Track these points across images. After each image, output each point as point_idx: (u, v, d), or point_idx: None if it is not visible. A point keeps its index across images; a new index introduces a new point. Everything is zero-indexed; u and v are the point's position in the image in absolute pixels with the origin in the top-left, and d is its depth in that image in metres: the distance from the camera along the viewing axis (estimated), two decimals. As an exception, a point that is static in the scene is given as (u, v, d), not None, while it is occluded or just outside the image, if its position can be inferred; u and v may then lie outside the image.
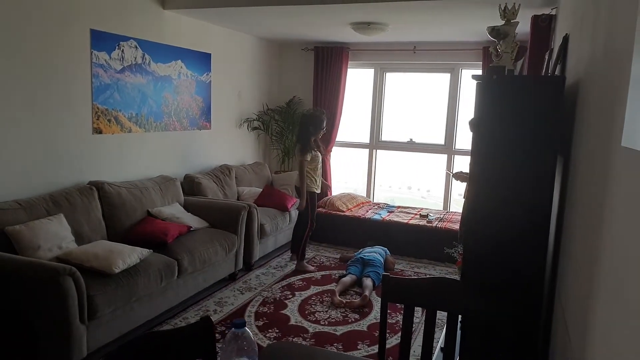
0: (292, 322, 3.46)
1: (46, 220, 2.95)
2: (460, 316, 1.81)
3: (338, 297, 3.79)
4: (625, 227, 0.93)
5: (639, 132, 0.84)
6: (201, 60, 4.83)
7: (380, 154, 6.26)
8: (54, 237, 2.91)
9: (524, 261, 1.99)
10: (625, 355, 0.84)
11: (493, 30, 2.07)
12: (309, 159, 4.36)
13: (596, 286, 1.14)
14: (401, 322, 1.81)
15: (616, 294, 0.96)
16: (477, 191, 2.08)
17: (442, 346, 1.85)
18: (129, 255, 2.98)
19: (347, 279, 4.09)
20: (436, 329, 3.34)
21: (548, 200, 1.95)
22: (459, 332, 1.88)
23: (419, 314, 3.55)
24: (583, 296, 1.29)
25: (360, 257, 4.37)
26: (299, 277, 4.35)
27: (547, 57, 3.02)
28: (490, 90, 1.96)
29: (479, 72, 5.27)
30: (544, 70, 2.89)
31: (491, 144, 2.01)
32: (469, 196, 2.15)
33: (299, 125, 4.55)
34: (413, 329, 2.93)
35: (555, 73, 2.43)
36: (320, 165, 4.54)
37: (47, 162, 3.34)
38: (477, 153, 2.05)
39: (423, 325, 1.82)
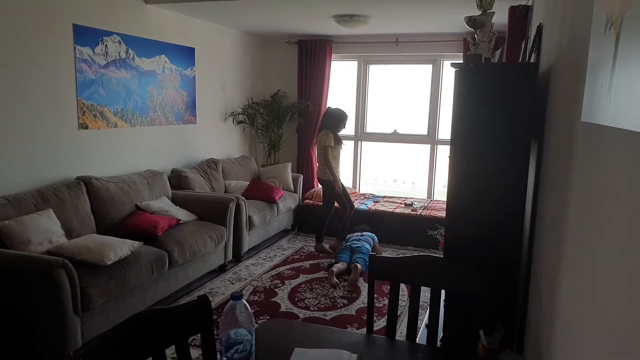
0: (283, 308, 3.55)
1: (35, 215, 2.97)
2: (443, 292, 1.91)
3: (335, 279, 4.00)
4: (585, 192, 1.03)
5: (594, 108, 0.94)
6: (185, 54, 4.85)
7: (365, 145, 6.36)
8: (44, 231, 2.94)
9: (502, 241, 2.09)
10: (583, 310, 0.94)
11: (470, 20, 2.16)
12: (332, 145, 4.68)
13: (563, 251, 1.25)
14: (388, 306, 1.90)
15: (579, 257, 1.06)
16: (457, 176, 2.18)
17: (427, 323, 1.95)
18: (120, 248, 3.02)
19: (340, 265, 4.22)
20: (421, 311, 3.46)
21: (523, 182, 2.06)
22: (442, 307, 1.98)
23: (405, 297, 3.67)
24: (552, 261, 1.40)
25: (349, 245, 4.49)
26: (288, 266, 4.43)
27: (523, 46, 3.13)
28: (468, 78, 2.06)
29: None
30: (520, 59, 3.00)
31: (469, 130, 2.11)
32: (449, 181, 2.25)
33: (327, 115, 4.81)
34: (399, 312, 3.03)
35: (531, 61, 2.54)
36: (339, 157, 4.85)
37: (34, 158, 3.36)
38: (456, 139, 2.15)
39: (408, 308, 1.91)
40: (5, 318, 2.59)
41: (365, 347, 1.70)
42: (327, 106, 4.91)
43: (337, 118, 4.77)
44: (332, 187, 4.76)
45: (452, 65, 2.08)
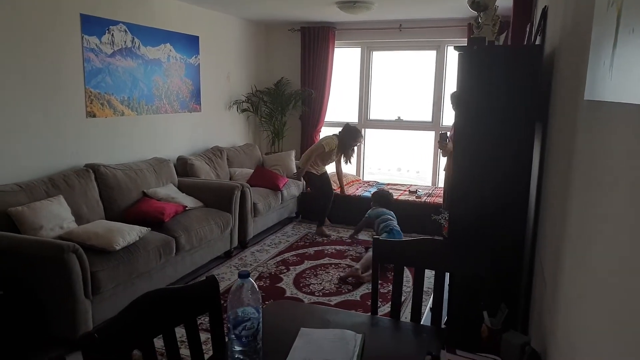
0: (288, 293, 3.59)
1: (47, 202, 3.02)
2: (447, 275, 1.93)
3: (362, 273, 3.83)
4: (586, 170, 1.05)
5: (596, 85, 0.95)
6: (189, 43, 4.86)
7: (369, 133, 6.35)
8: (55, 217, 2.99)
9: (507, 223, 2.11)
10: (585, 292, 0.97)
11: (473, 3, 2.15)
12: (326, 151, 4.94)
13: (565, 232, 1.27)
14: (392, 290, 1.93)
15: (581, 238, 1.08)
16: (460, 159, 2.19)
17: (431, 306, 1.98)
18: (128, 233, 3.07)
19: (371, 254, 4.06)
20: (425, 296, 3.49)
21: (528, 164, 2.07)
22: (446, 290, 2.01)
23: (409, 284, 3.70)
24: (555, 242, 1.42)
25: (392, 229, 4.24)
26: (293, 252, 4.47)
27: (528, 30, 3.12)
28: (471, 61, 2.06)
29: (464, 48, 5.35)
30: (525, 42, 2.99)
31: (472, 113, 2.12)
32: (453, 165, 2.26)
33: (344, 128, 5.09)
34: (403, 298, 3.06)
35: (536, 43, 2.53)
36: (330, 163, 5.17)
37: (43, 146, 3.40)
38: (459, 122, 2.16)
39: (412, 293, 1.93)
40: (20, 301, 2.64)
41: (370, 328, 1.73)
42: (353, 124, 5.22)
43: (349, 133, 4.98)
44: (314, 177, 5.05)
45: (456, 48, 2.08)
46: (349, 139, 4.98)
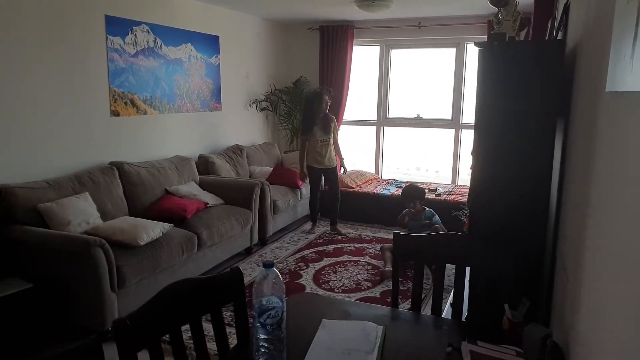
0: (308, 290, 3.63)
1: (74, 198, 3.12)
2: (467, 269, 1.93)
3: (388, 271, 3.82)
4: (608, 161, 1.06)
5: (617, 77, 0.96)
6: (210, 42, 4.93)
7: (388, 132, 6.35)
8: (82, 213, 3.08)
9: (528, 218, 2.11)
10: (606, 283, 0.97)
11: (494, -1, 2.15)
12: (306, 137, 4.86)
13: (587, 226, 1.27)
14: (412, 287, 1.94)
15: (603, 230, 1.08)
16: (483, 154, 2.19)
17: (452, 302, 1.99)
18: (152, 229, 3.14)
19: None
20: (445, 294, 3.49)
21: (549, 159, 2.06)
22: (467, 285, 2.02)
23: (429, 281, 3.70)
24: (577, 235, 1.42)
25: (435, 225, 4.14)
26: (312, 250, 4.51)
27: (549, 25, 3.09)
28: (492, 57, 2.06)
29: (484, 45, 5.31)
30: (547, 37, 2.97)
31: (493, 110, 2.12)
32: (475, 162, 2.26)
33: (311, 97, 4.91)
34: (423, 295, 3.05)
35: (557, 38, 2.51)
36: (322, 143, 4.87)
37: (69, 144, 3.50)
38: (480, 119, 2.16)
39: (432, 290, 1.95)
40: (49, 293, 2.74)
41: (391, 321, 1.75)
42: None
43: (313, 97, 4.83)
44: (316, 171, 4.95)
45: (476, 44, 2.09)
46: (317, 104, 4.74)
